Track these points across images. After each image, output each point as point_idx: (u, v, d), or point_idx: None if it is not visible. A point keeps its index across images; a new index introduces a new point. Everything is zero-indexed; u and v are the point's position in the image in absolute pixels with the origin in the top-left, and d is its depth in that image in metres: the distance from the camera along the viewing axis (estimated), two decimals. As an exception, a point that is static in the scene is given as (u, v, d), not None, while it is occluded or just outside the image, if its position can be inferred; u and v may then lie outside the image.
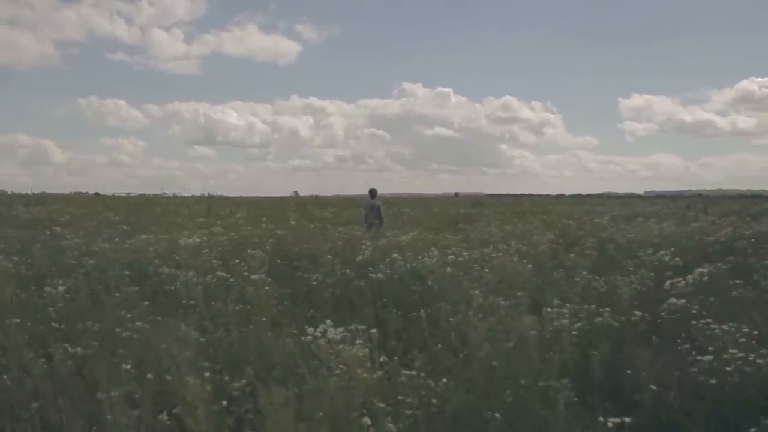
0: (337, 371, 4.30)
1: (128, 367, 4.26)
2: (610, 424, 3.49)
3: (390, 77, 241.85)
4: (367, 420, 3.62)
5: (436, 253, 8.36)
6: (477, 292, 5.96)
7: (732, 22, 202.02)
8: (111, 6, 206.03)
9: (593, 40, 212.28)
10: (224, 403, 3.94)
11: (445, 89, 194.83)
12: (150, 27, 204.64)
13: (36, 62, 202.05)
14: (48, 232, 11.61)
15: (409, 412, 4.06)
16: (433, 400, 4.26)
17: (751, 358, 4.35)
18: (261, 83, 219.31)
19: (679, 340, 5.13)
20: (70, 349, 4.87)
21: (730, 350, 4.45)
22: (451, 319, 5.45)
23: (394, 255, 8.17)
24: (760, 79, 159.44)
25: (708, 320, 5.15)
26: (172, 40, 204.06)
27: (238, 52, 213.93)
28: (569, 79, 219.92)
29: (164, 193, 52.93)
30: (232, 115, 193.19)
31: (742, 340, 4.65)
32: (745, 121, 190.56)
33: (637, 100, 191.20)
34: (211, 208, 26.31)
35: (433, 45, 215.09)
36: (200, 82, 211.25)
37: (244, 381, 4.29)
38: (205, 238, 10.58)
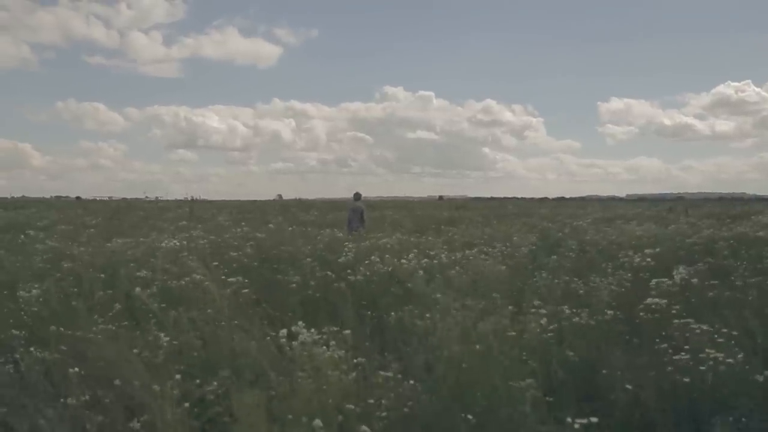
0: (311, 373, 4.26)
1: (77, 370, 4.16)
2: (576, 425, 3.45)
3: (371, 81, 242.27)
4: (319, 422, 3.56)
5: (415, 255, 8.33)
6: (440, 295, 5.95)
7: (708, 26, 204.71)
8: (88, 9, 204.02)
9: (571, 44, 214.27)
10: (191, 405, 3.86)
11: (427, 92, 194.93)
12: (129, 30, 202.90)
13: (11, 65, 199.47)
14: (22, 236, 11.44)
15: (383, 413, 4.03)
16: (409, 402, 4.24)
17: (721, 358, 4.36)
18: (242, 87, 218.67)
19: (656, 340, 5.12)
20: (38, 354, 4.78)
21: (707, 350, 4.46)
22: (418, 322, 5.41)
23: (374, 257, 8.13)
24: (736, 83, 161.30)
25: (686, 320, 5.16)
26: (152, 43, 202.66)
27: (218, 55, 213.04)
28: (549, 82, 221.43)
29: (146, 196, 52.61)
30: (214, 119, 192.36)
31: (721, 340, 4.66)
32: (723, 124, 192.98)
33: (616, 103, 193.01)
34: (193, 212, 26.10)
35: (413, 48, 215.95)
36: (180, 85, 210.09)
37: (215, 384, 4.23)
38: (184, 242, 10.46)
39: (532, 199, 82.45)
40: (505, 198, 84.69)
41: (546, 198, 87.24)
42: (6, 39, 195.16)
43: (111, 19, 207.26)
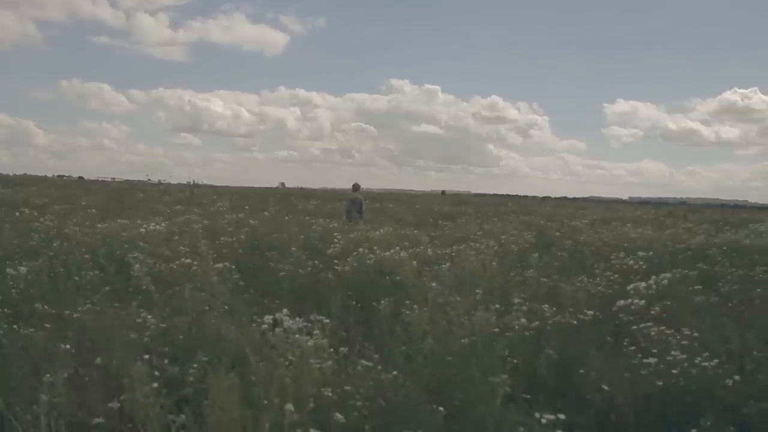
0: (290, 360, 4.32)
1: (67, 346, 4.21)
2: (544, 421, 3.50)
3: (377, 72, 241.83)
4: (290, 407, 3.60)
5: (406, 248, 8.38)
6: (434, 284, 5.99)
7: (717, 33, 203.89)
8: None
9: (578, 45, 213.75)
10: (167, 386, 3.91)
11: (433, 86, 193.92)
12: (135, 11, 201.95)
13: (16, 42, 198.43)
14: (17, 214, 11.51)
15: (359, 403, 4.08)
16: (387, 393, 4.28)
17: (696, 362, 4.40)
18: (248, 73, 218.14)
19: (633, 342, 5.17)
20: (22, 331, 4.83)
21: (678, 354, 4.51)
22: (406, 312, 5.46)
23: (361, 249, 8.19)
24: (742, 90, 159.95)
25: (662, 324, 5.21)
26: (158, 26, 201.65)
27: (225, 40, 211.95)
28: (555, 81, 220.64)
29: (149, 179, 52.62)
30: (219, 104, 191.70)
31: (684, 342, 4.71)
32: (729, 131, 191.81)
33: (622, 105, 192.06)
34: (193, 197, 26.17)
35: (420, 41, 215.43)
36: (186, 69, 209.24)
37: (195, 366, 4.29)
38: (176, 228, 10.51)
39: (534, 197, 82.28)
40: (507, 195, 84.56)
41: (548, 197, 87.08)
42: (11, 15, 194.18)
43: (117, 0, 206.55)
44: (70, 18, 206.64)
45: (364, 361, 4.52)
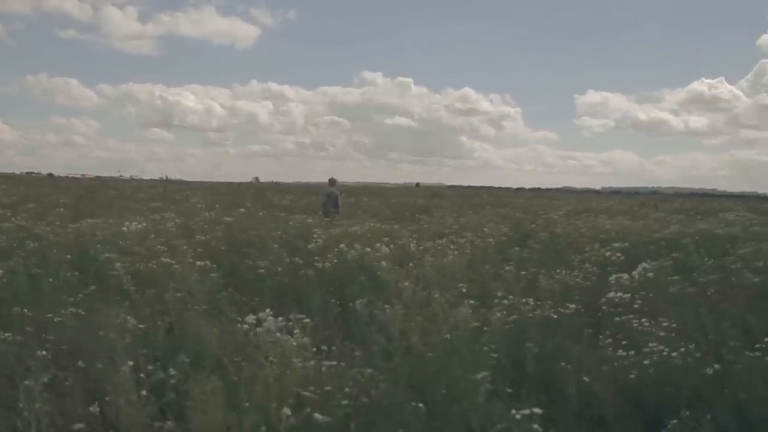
0: (272, 360, 4.29)
1: (44, 353, 4.14)
2: (518, 416, 3.53)
3: (349, 65, 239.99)
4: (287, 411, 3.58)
5: (385, 243, 8.36)
6: (407, 284, 5.98)
7: (684, 23, 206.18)
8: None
9: (549, 36, 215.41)
10: (150, 390, 3.86)
11: (405, 79, 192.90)
12: (102, 4, 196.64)
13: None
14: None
15: (344, 402, 4.07)
16: (371, 391, 4.28)
17: (670, 353, 4.48)
18: (219, 67, 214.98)
19: (612, 335, 5.23)
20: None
21: (656, 345, 4.58)
22: (381, 311, 5.45)
23: (342, 245, 8.15)
24: (709, 80, 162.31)
25: (642, 316, 5.28)
26: (126, 19, 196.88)
27: (195, 34, 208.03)
28: (526, 73, 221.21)
29: (121, 175, 51.74)
30: (190, 98, 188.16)
31: (662, 334, 4.79)
32: (697, 121, 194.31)
33: (593, 96, 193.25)
34: (166, 193, 25.84)
35: (392, 34, 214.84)
36: (156, 63, 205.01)
37: (175, 369, 4.23)
38: (150, 226, 10.36)
39: (508, 189, 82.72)
40: (481, 187, 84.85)
41: (522, 188, 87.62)
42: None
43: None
44: (35, 11, 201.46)
45: (343, 362, 4.52)
